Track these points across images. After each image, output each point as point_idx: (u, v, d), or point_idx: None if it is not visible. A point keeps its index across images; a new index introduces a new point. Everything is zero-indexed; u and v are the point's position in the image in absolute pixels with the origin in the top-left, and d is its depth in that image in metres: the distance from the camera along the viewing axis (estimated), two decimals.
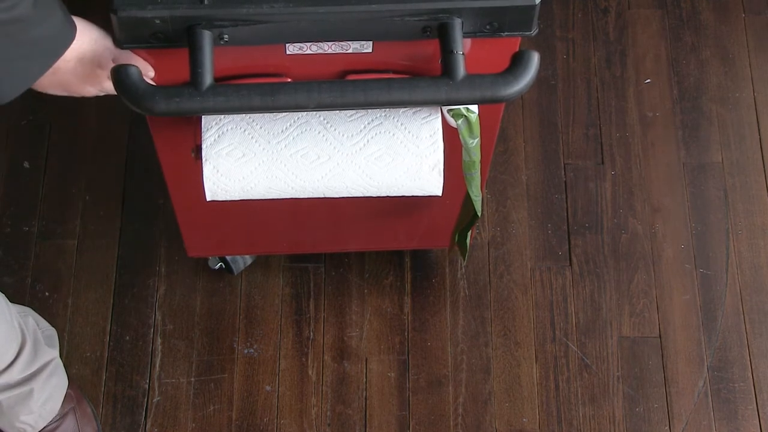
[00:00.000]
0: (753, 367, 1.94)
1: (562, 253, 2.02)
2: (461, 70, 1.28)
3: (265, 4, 1.27)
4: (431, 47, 1.36)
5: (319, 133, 1.42)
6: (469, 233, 1.73)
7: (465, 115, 1.40)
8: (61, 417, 1.78)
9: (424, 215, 1.78)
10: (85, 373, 1.91)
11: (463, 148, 1.45)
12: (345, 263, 2.00)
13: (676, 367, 1.93)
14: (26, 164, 2.08)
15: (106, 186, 2.06)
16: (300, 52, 1.36)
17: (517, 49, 1.32)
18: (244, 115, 1.42)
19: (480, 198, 1.56)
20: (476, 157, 1.46)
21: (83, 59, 1.29)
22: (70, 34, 1.25)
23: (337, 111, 1.42)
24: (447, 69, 1.29)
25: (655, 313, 1.97)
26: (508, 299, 1.98)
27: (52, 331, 1.80)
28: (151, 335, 1.94)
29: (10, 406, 1.67)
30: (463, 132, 1.42)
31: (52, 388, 1.73)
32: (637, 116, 2.14)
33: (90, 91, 1.34)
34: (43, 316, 1.85)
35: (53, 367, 1.73)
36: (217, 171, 1.42)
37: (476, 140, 1.43)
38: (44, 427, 1.77)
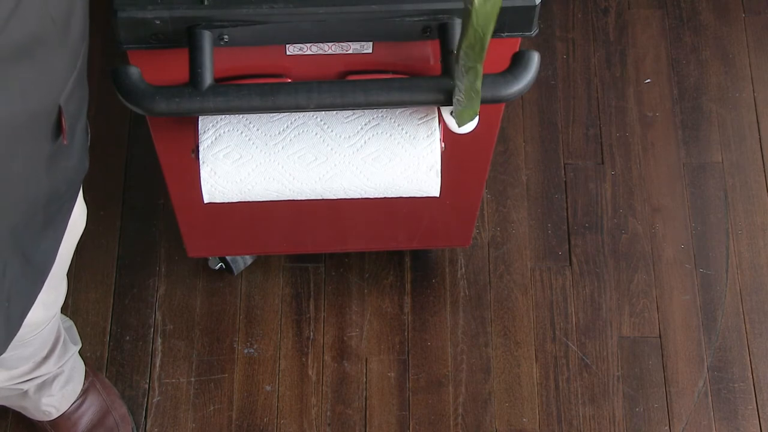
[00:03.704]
0: (753, 367, 1.94)
1: (562, 253, 2.02)
2: None
3: (265, 5, 1.27)
4: (431, 47, 1.36)
5: (316, 134, 1.42)
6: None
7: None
8: (83, 393, 1.81)
9: (423, 215, 1.78)
10: None
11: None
12: (345, 263, 2.00)
13: (676, 367, 1.93)
14: None
15: (106, 186, 2.05)
16: (300, 52, 1.35)
17: (518, 49, 1.32)
18: (241, 116, 1.42)
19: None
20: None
21: None
22: None
23: (334, 112, 1.42)
24: (447, 69, 1.29)
25: (655, 313, 1.97)
26: (508, 299, 1.98)
27: (70, 322, 1.81)
28: (151, 335, 1.94)
29: (34, 390, 1.70)
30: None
31: (71, 371, 1.75)
32: (637, 116, 2.14)
33: None
34: None
35: (75, 355, 1.77)
36: (214, 173, 1.42)
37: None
38: (68, 408, 1.80)
